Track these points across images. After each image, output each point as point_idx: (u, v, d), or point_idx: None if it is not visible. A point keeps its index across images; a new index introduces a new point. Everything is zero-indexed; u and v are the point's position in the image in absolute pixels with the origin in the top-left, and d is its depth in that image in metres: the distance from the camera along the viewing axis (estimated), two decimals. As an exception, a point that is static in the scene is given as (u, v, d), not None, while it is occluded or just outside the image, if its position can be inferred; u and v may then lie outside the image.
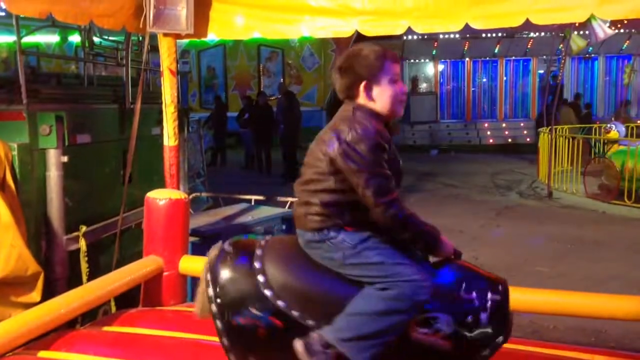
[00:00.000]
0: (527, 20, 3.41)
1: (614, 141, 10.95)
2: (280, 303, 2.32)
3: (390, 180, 2.30)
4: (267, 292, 2.34)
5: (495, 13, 3.52)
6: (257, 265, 2.39)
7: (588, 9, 3.34)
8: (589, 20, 4.05)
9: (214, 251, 2.51)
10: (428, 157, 18.04)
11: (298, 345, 2.28)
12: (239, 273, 2.41)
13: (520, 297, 3.65)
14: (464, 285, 2.36)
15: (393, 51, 2.49)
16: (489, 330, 2.32)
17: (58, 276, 4.04)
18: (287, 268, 2.41)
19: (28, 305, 3.30)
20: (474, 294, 2.34)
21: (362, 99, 2.41)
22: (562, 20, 3.52)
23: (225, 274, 2.42)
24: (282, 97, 13.99)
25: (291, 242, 2.54)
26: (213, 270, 2.44)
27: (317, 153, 2.40)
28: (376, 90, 2.40)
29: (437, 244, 2.40)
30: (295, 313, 2.32)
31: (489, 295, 2.36)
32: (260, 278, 2.36)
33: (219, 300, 2.39)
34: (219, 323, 2.39)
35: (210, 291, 2.41)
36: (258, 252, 2.44)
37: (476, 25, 3.53)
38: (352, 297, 2.30)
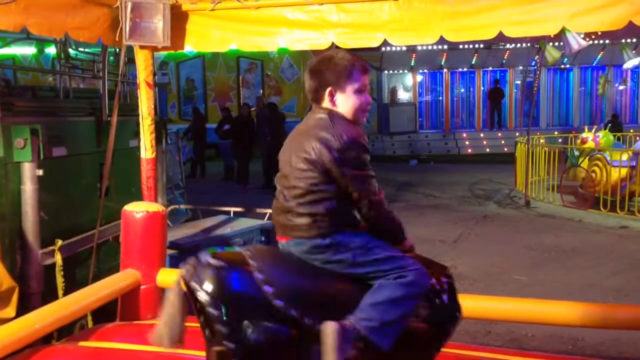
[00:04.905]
0: (501, 33, 3.46)
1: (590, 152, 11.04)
2: (293, 312, 2.28)
3: (375, 180, 2.44)
4: (278, 302, 2.27)
5: (469, 26, 3.57)
6: (259, 276, 2.30)
7: (560, 22, 3.40)
8: (563, 32, 4.09)
9: (193, 268, 2.32)
10: (407, 167, 18.12)
11: (332, 328, 2.24)
12: (242, 286, 2.28)
13: (498, 306, 3.70)
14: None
15: (365, 62, 2.54)
16: (451, 308, 2.56)
17: (33, 291, 3.98)
18: (291, 276, 2.38)
19: (2, 321, 3.25)
20: (434, 279, 2.52)
21: (325, 103, 2.48)
22: (534, 33, 3.58)
23: (227, 289, 2.26)
24: (265, 109, 14.03)
25: (276, 251, 2.55)
26: (209, 287, 2.24)
27: (300, 164, 2.42)
28: (340, 98, 2.47)
29: (404, 237, 2.57)
30: (307, 320, 2.30)
31: (444, 278, 2.58)
32: (268, 288, 2.28)
33: (226, 319, 2.22)
34: (230, 344, 2.22)
35: (212, 311, 2.23)
36: (253, 262, 2.34)
37: (450, 37, 3.58)
38: (362, 294, 2.38)
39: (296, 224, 2.44)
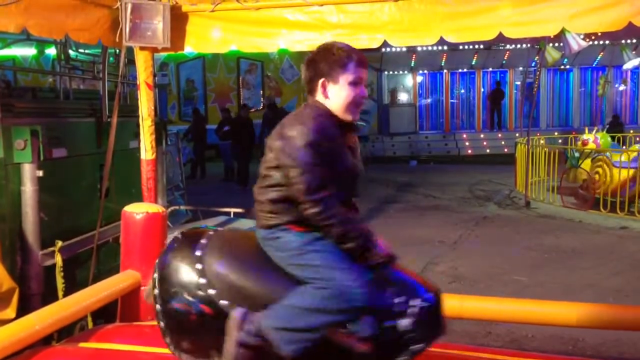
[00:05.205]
0: (501, 34, 3.47)
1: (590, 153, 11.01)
2: (211, 291, 2.39)
3: (323, 179, 2.26)
4: (202, 280, 2.41)
5: (469, 26, 3.58)
6: (198, 253, 2.46)
7: (559, 23, 3.41)
8: (562, 33, 4.11)
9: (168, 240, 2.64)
10: (407, 168, 18.11)
11: (236, 314, 2.31)
12: (180, 260, 2.49)
13: (498, 307, 3.70)
14: (392, 289, 2.36)
15: (363, 55, 2.45)
16: (411, 335, 2.34)
17: (33, 292, 3.99)
18: (225, 258, 2.44)
19: (3, 322, 3.25)
20: (402, 298, 2.34)
21: (318, 95, 2.41)
22: (534, 34, 3.58)
23: (168, 260, 2.52)
24: (267, 110, 14.05)
25: (242, 235, 2.67)
26: (161, 256, 2.57)
27: (266, 149, 2.42)
28: (332, 89, 2.38)
29: (371, 246, 2.35)
30: (223, 302, 2.37)
31: (417, 301, 2.36)
32: (198, 266, 2.43)
33: (160, 285, 2.49)
34: (158, 306, 2.49)
35: (155, 275, 2.52)
36: (203, 241, 2.50)
37: (450, 38, 3.58)
38: (287, 293, 2.33)
39: (256, 212, 2.49)
